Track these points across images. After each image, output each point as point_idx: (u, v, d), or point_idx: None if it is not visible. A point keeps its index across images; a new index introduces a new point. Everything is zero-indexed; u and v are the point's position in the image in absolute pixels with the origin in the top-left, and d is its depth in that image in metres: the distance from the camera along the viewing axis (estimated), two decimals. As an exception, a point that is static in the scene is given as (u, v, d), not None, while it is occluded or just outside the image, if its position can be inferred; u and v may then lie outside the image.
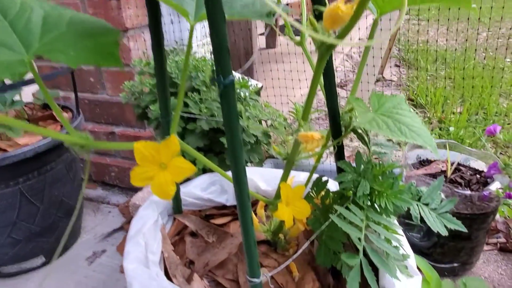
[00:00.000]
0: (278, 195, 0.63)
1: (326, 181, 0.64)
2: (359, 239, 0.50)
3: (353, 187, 0.55)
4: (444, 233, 0.54)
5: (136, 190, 1.37)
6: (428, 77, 2.66)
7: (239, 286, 0.64)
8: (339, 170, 0.66)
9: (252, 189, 0.81)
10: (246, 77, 0.94)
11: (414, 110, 2.10)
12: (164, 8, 1.37)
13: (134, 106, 1.02)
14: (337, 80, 2.67)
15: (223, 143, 0.88)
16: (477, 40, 3.37)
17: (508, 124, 1.85)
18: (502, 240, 1.07)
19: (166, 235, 0.70)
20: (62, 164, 1.00)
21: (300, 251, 0.56)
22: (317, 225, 0.60)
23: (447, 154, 0.94)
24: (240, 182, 0.44)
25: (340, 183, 0.57)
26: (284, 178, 0.61)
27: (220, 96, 0.39)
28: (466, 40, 3.40)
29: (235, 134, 0.41)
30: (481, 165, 1.00)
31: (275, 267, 0.68)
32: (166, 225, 0.75)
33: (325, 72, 0.55)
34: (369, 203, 0.57)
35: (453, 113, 1.91)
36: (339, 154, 0.64)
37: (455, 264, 0.92)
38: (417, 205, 0.56)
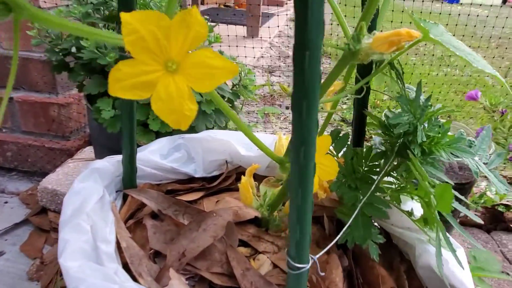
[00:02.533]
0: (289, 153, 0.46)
1: (347, 135, 0.49)
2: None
3: (406, 134, 0.41)
4: (504, 191, 0.44)
5: (43, 174, 1.06)
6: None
7: (234, 281, 0.46)
8: (359, 123, 0.52)
9: (231, 155, 0.62)
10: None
11: (346, 96, 2.10)
12: None
13: (49, 52, 0.75)
14: (266, 66, 2.57)
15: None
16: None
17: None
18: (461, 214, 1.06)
19: (119, 216, 0.48)
20: None
21: (341, 233, 0.40)
22: (345, 190, 0.45)
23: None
24: (310, 123, 0.26)
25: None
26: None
27: None
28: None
29: (315, 40, 0.23)
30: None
31: (275, 252, 0.51)
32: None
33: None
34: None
35: (383, 100, 1.94)
36: (364, 100, 0.50)
37: (434, 240, 0.86)
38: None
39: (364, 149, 0.47)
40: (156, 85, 0.23)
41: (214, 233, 0.50)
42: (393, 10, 1.44)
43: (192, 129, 0.66)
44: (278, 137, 0.55)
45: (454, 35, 0.42)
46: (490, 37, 4.02)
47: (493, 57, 3.34)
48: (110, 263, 0.40)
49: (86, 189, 0.47)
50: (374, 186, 0.41)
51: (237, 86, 0.78)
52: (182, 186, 0.60)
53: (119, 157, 0.53)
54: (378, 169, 0.45)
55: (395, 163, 0.48)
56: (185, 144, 0.61)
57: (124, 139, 0.50)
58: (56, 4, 0.84)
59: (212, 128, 0.72)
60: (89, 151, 1.02)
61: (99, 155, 0.82)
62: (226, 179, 0.63)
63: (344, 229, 0.40)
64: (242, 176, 0.51)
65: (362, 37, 0.33)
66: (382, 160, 0.47)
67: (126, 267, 0.43)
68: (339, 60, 0.37)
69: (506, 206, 1.06)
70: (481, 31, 4.01)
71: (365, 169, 0.46)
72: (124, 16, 0.22)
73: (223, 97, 0.73)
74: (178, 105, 0.23)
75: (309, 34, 0.23)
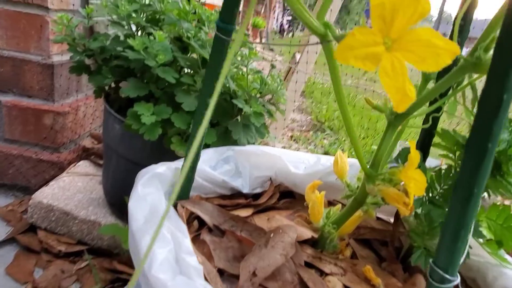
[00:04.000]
0: (376, 164, 0.45)
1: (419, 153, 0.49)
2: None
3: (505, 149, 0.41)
4: None
5: (24, 188, 0.95)
6: (325, 107, 2.81)
7: (313, 304, 0.42)
8: (426, 142, 0.52)
9: (276, 172, 0.59)
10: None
11: (325, 131, 2.16)
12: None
13: (73, 51, 0.69)
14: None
15: (225, 109, 0.64)
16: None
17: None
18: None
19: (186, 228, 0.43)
20: None
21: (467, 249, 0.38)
22: (430, 207, 0.44)
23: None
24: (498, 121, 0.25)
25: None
26: (388, 140, 0.44)
27: None
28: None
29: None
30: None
31: (342, 274, 0.48)
32: (170, 215, 0.46)
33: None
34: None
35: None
36: (434, 120, 0.51)
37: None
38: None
39: (443, 168, 0.47)
40: (381, 59, 0.21)
41: (284, 251, 0.46)
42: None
43: (235, 142, 0.63)
44: (338, 155, 0.53)
45: None
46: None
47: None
48: (198, 278, 0.34)
49: (151, 195, 0.42)
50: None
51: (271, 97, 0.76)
52: (228, 201, 0.56)
53: (176, 163, 0.48)
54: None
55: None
56: (234, 157, 0.57)
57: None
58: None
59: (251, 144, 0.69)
60: (83, 165, 0.93)
61: (114, 167, 0.74)
62: (271, 197, 0.60)
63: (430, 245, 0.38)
64: (315, 191, 0.48)
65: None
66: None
67: (203, 285, 0.38)
68: (455, 71, 0.37)
69: None
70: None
71: (444, 187, 0.46)
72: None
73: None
74: (402, 83, 0.21)
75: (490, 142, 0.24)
